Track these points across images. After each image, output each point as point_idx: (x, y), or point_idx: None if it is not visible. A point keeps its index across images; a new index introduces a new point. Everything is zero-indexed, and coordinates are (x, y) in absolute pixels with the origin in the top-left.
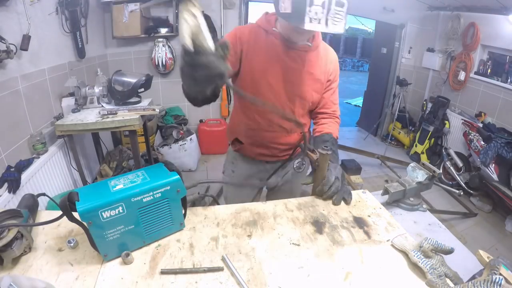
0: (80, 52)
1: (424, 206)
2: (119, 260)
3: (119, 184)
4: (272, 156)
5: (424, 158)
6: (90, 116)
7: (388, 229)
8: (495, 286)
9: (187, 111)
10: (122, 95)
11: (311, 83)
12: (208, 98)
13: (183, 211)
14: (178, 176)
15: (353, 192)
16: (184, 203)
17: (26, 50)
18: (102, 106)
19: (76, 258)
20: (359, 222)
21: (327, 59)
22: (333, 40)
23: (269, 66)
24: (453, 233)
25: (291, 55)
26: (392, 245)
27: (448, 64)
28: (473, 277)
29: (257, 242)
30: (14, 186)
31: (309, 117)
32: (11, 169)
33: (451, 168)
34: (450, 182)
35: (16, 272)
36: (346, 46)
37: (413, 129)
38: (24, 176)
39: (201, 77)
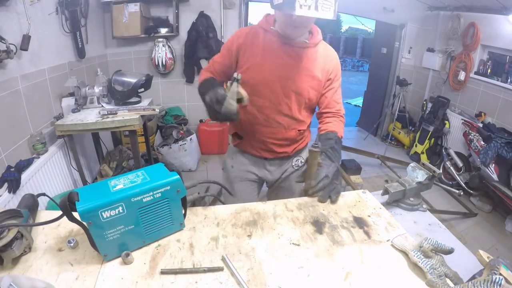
0: (80, 52)
1: (424, 206)
2: (119, 260)
3: (119, 184)
4: (271, 152)
5: (424, 158)
6: (90, 116)
7: (388, 229)
8: (495, 286)
9: (187, 111)
10: (122, 95)
11: (307, 80)
12: None
13: (183, 211)
14: (178, 176)
15: (353, 192)
16: (184, 203)
17: (26, 50)
18: (102, 106)
19: (76, 258)
20: (359, 222)
21: (327, 58)
22: (333, 40)
23: (265, 61)
24: (453, 233)
25: (287, 51)
26: (392, 245)
27: (448, 64)
28: (473, 277)
29: (257, 242)
30: (14, 186)
31: (308, 114)
32: (11, 169)
33: (451, 168)
34: (450, 182)
35: (16, 272)
36: (346, 46)
37: (413, 129)
38: (24, 176)
39: (221, 118)
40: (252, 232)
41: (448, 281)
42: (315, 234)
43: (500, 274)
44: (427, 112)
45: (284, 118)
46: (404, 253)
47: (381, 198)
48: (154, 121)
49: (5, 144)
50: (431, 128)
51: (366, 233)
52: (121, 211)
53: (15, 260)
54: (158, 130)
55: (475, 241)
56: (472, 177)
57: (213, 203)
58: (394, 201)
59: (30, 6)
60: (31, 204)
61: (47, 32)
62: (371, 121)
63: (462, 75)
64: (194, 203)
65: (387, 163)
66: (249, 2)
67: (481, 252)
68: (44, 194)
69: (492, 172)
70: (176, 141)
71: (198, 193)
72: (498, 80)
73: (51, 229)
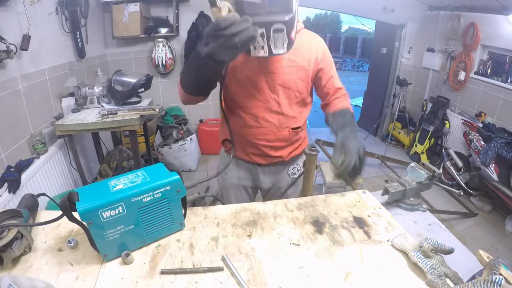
0: (80, 52)
1: (424, 206)
2: (119, 260)
3: (119, 184)
4: (264, 157)
5: (424, 158)
6: (90, 116)
7: (388, 229)
8: (495, 286)
9: (187, 111)
10: (122, 95)
11: (294, 71)
12: (207, 84)
13: (183, 211)
14: (178, 176)
15: (353, 192)
16: (184, 203)
17: (26, 50)
18: (102, 106)
19: (76, 258)
20: (359, 222)
21: (311, 46)
22: (333, 40)
23: (246, 59)
24: (453, 233)
25: None
26: (392, 245)
27: (448, 64)
28: (473, 277)
29: (257, 242)
30: (14, 186)
31: (300, 110)
32: (11, 169)
33: (451, 168)
34: (450, 182)
35: (16, 272)
36: (346, 46)
37: (413, 129)
38: (24, 176)
39: (239, 41)
40: (252, 232)
41: (448, 281)
42: (315, 234)
43: (500, 274)
44: (427, 112)
45: (274, 116)
46: (404, 253)
47: (381, 198)
48: (154, 121)
49: (5, 144)
50: (431, 128)
51: (366, 233)
52: (121, 211)
53: (15, 260)
54: (158, 130)
55: (475, 241)
56: (472, 177)
57: (213, 203)
58: (394, 201)
59: (30, 6)
60: (31, 204)
61: (47, 32)
62: (371, 121)
63: (462, 75)
64: (194, 203)
65: (387, 163)
66: None
67: (481, 252)
68: (44, 194)
69: (492, 172)
70: (176, 141)
71: (198, 193)
72: (498, 80)
73: (51, 229)
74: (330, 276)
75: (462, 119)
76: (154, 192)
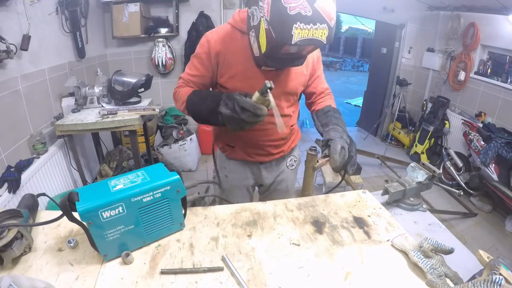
0: (80, 52)
1: (424, 206)
2: (119, 260)
3: (119, 184)
4: (267, 155)
5: (424, 158)
6: (90, 116)
7: (388, 229)
8: (495, 286)
9: None
10: (122, 95)
11: (294, 78)
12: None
13: (183, 211)
14: (178, 176)
15: (353, 192)
16: (184, 203)
17: (26, 50)
18: (102, 106)
19: (76, 258)
20: (359, 222)
21: None
22: (333, 40)
23: (248, 68)
24: (453, 233)
25: None
26: (392, 245)
27: (448, 64)
28: (473, 277)
29: (257, 242)
30: (14, 186)
31: (294, 108)
32: (11, 169)
33: (451, 168)
34: (450, 182)
35: (16, 272)
36: (346, 46)
37: (413, 129)
38: (24, 176)
39: (248, 126)
40: (252, 232)
41: (448, 281)
42: (315, 234)
43: (500, 274)
44: (427, 112)
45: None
46: (404, 253)
47: (381, 198)
48: (154, 121)
49: (5, 144)
50: (431, 128)
51: (366, 233)
52: (121, 211)
53: (15, 260)
54: (158, 130)
55: (475, 241)
56: (472, 177)
57: (213, 203)
58: (394, 201)
59: (30, 6)
60: (31, 204)
61: (47, 32)
62: (371, 121)
63: (462, 75)
64: (194, 203)
65: (387, 163)
66: None
67: (481, 252)
68: (44, 194)
69: (492, 172)
70: (176, 141)
71: (198, 193)
72: (498, 80)
73: (51, 229)
74: (330, 276)
75: (462, 119)
76: (154, 192)
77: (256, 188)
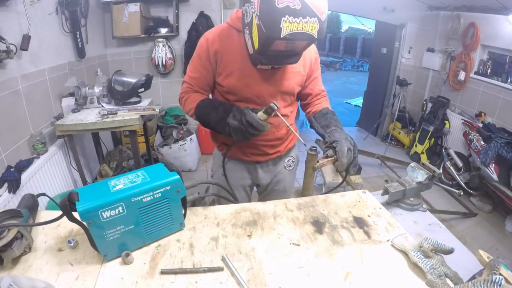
0: (80, 52)
1: (424, 206)
2: (119, 260)
3: (119, 184)
4: (264, 155)
5: (424, 158)
6: (90, 116)
7: (388, 229)
8: (495, 286)
9: None
10: (122, 95)
11: (291, 77)
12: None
13: (183, 211)
14: (178, 176)
15: (353, 192)
16: (184, 203)
17: (26, 50)
18: (102, 106)
19: (76, 258)
20: (359, 222)
21: (306, 52)
22: (333, 40)
23: (244, 67)
24: (453, 233)
25: None
26: (392, 245)
27: (448, 64)
28: (473, 277)
29: (257, 242)
30: (14, 186)
31: (292, 108)
32: (11, 169)
33: (451, 168)
34: (450, 182)
35: (16, 272)
36: (346, 46)
37: (413, 129)
38: (24, 176)
39: (251, 139)
40: (252, 232)
41: (448, 281)
42: (315, 234)
43: (500, 274)
44: (427, 112)
45: (273, 118)
46: (404, 253)
47: (381, 198)
48: (154, 121)
49: (5, 144)
50: (431, 128)
51: (366, 233)
52: (121, 211)
53: (15, 260)
54: (158, 130)
55: (475, 241)
56: (472, 177)
57: (213, 203)
58: (394, 201)
59: (30, 6)
60: (31, 204)
61: (47, 32)
62: (371, 121)
63: (462, 75)
64: (194, 203)
65: (387, 163)
66: None
67: (481, 252)
68: (44, 194)
69: (492, 172)
70: (176, 141)
71: (198, 193)
72: (498, 80)
73: (51, 229)
74: (330, 276)
75: (462, 119)
76: (154, 192)
77: (255, 188)
